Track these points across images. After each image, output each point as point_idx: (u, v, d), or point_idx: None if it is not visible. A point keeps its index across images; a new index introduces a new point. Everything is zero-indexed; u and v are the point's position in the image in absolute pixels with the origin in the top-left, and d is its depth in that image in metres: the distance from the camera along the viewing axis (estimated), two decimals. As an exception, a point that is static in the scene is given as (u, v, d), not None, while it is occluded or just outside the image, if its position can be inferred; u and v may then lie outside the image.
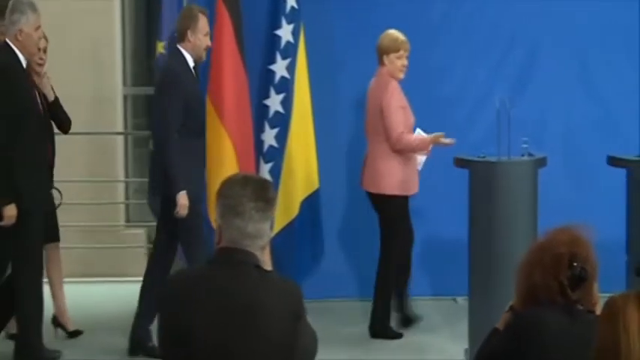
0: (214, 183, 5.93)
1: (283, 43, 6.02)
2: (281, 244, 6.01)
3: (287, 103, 6.02)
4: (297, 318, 2.45)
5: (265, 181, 2.63)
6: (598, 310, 2.58)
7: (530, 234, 5.26)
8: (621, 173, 5.49)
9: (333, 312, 6.12)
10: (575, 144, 6.22)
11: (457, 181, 5.75)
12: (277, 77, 6.02)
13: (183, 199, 5.15)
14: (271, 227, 2.55)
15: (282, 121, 6.03)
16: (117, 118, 7.18)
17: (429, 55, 6.29)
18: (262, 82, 6.06)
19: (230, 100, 5.75)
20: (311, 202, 6.12)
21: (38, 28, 4.96)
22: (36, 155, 4.91)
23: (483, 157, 5.44)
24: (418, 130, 5.62)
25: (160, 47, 5.81)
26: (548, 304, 2.61)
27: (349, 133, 6.30)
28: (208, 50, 5.37)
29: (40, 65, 5.28)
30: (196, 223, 5.25)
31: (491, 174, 5.33)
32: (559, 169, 6.01)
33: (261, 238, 2.50)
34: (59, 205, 5.43)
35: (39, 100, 5.06)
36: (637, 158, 5.44)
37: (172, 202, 5.14)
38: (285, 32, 6.02)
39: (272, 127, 6.03)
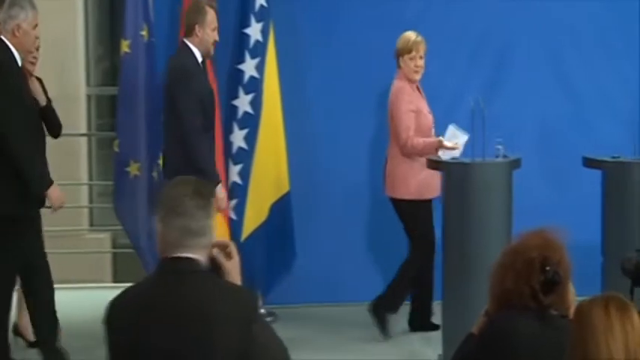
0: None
1: (252, 42, 6.03)
2: (250, 248, 6.02)
3: (256, 104, 6.02)
4: (249, 324, 2.46)
5: (202, 180, 2.68)
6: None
7: (504, 236, 5.29)
8: (597, 174, 5.55)
9: (305, 318, 6.12)
10: (551, 145, 6.27)
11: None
12: (246, 77, 6.02)
13: (219, 191, 5.19)
14: (213, 226, 2.56)
15: (251, 122, 6.02)
16: (80, 119, 7.14)
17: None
18: (231, 82, 6.05)
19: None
20: (281, 206, 6.12)
21: (36, 26, 4.91)
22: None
23: (457, 158, 5.49)
24: (451, 127, 5.64)
25: (125, 46, 5.79)
26: (521, 309, 2.63)
27: (320, 134, 6.31)
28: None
29: (33, 64, 5.22)
30: None
31: (465, 175, 5.36)
32: (534, 170, 6.05)
33: (204, 235, 2.53)
34: None
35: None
36: (612, 159, 5.50)
37: None
38: (254, 31, 6.02)
39: (241, 128, 6.03)
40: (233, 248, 2.63)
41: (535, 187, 6.18)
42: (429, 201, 5.79)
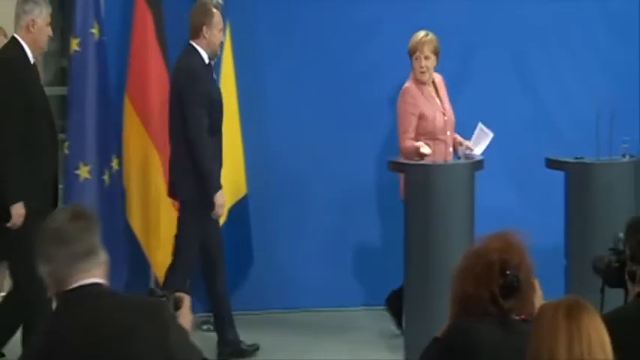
0: (136, 189, 5.91)
1: (208, 42, 6.04)
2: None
3: (212, 105, 6.03)
4: (165, 333, 2.50)
5: (80, 204, 2.68)
6: None
7: (467, 239, 5.34)
8: (560, 176, 5.61)
9: (262, 324, 6.13)
10: (513, 146, 6.33)
11: (392, 186, 5.82)
12: (202, 78, 6.02)
13: (220, 198, 5.29)
14: (100, 244, 2.58)
15: (207, 124, 6.03)
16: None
17: (359, 56, 6.34)
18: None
19: (152, 101, 5.72)
20: (239, 210, 6.12)
21: (49, 24, 4.96)
22: (47, 158, 4.92)
23: (418, 160, 5.53)
24: (480, 125, 5.68)
25: (75, 44, 5.76)
26: (482, 315, 2.65)
27: (279, 136, 6.31)
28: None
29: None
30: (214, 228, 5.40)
31: (427, 177, 5.41)
32: (497, 171, 6.12)
33: (96, 253, 2.55)
34: None
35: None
36: (575, 160, 5.57)
37: (207, 204, 5.24)
38: (209, 30, 6.03)
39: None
40: (186, 299, 2.68)
41: (498, 189, 6.24)
42: None
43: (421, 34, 5.73)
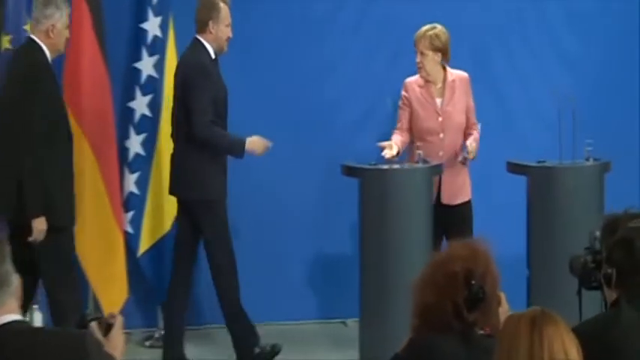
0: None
1: (150, 37, 5.96)
2: (148, 264, 5.96)
3: (155, 106, 5.95)
4: None
5: None
6: None
7: (425, 248, 5.34)
8: (521, 180, 5.62)
9: (207, 339, 6.07)
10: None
11: (347, 192, 5.78)
12: (144, 76, 5.95)
13: (252, 143, 5.42)
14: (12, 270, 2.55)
15: (149, 126, 5.95)
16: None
17: (314, 53, 6.31)
18: (127, 82, 5.97)
19: (89, 101, 5.67)
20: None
21: (68, 26, 5.12)
22: (68, 166, 5.06)
23: (375, 164, 5.49)
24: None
25: (6, 42, 5.65)
26: (444, 328, 2.63)
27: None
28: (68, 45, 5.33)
29: None
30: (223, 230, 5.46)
31: (383, 183, 5.39)
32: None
33: (7, 283, 2.52)
34: None
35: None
36: (537, 164, 5.58)
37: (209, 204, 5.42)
38: (152, 25, 5.95)
39: (138, 132, 5.95)
40: (118, 320, 2.66)
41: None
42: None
43: (423, 28, 5.72)
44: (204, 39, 5.45)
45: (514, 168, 5.63)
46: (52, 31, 5.01)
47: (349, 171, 5.58)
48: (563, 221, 5.44)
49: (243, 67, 6.18)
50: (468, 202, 5.75)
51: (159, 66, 5.95)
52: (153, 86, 5.95)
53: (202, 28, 5.45)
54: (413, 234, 5.38)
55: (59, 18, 5.04)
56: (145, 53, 5.94)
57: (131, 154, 5.95)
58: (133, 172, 5.95)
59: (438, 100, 5.75)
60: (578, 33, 6.49)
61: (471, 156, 5.66)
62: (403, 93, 5.76)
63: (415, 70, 5.74)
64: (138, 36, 5.95)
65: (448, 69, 5.78)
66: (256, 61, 6.22)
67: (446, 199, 5.73)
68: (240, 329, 5.50)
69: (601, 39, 6.50)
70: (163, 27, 5.97)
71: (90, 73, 5.67)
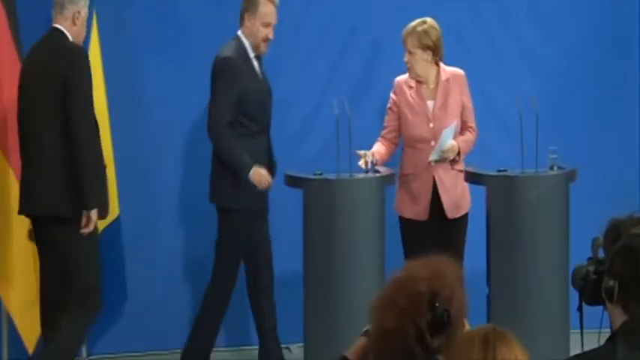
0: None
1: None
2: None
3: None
4: None
5: None
6: None
7: (377, 266, 5.34)
8: (481, 191, 5.61)
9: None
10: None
11: (292, 204, 5.74)
12: (64, 78, 5.86)
13: (257, 174, 5.49)
14: None
15: (70, 132, 5.85)
16: None
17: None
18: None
19: (3, 104, 5.59)
20: (110, 234, 5.98)
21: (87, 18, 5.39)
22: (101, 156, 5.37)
23: (320, 174, 5.47)
24: (444, 131, 5.61)
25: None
26: (405, 355, 2.58)
27: (157, 145, 6.19)
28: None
29: None
30: (257, 240, 5.62)
31: (329, 194, 5.37)
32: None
33: None
34: None
35: None
36: (497, 174, 5.56)
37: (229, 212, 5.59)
38: (72, 23, 5.88)
39: (61, 141, 5.85)
40: None
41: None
42: (409, 221, 5.71)
43: (412, 23, 5.70)
44: (242, 33, 5.61)
45: (472, 177, 5.63)
46: (77, 18, 5.26)
47: (292, 181, 5.54)
48: (525, 235, 5.44)
49: (174, 65, 6.13)
50: (467, 215, 5.68)
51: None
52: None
53: (241, 21, 5.62)
54: (362, 251, 5.37)
55: (84, 6, 5.31)
56: (65, 55, 5.87)
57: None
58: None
59: (430, 103, 5.70)
60: (543, 32, 6.51)
61: (449, 155, 5.58)
62: (391, 95, 5.74)
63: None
64: (57, 34, 5.87)
65: (442, 66, 5.74)
66: (187, 59, 6.15)
67: (450, 213, 5.66)
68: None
69: (567, 39, 6.53)
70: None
71: (6, 73, 5.60)
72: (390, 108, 5.74)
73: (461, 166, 5.68)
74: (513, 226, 5.45)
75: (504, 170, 5.55)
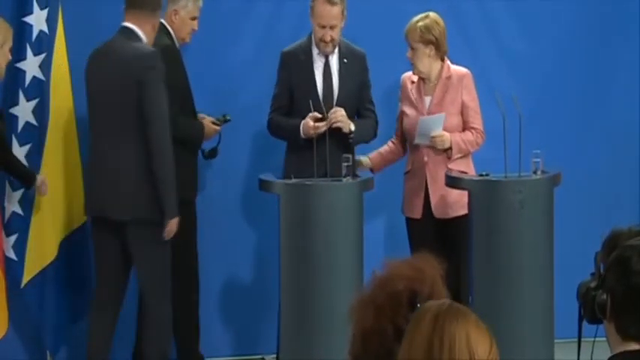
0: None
1: (35, 33, 5.91)
2: (34, 296, 5.91)
3: (41, 112, 5.90)
4: None
5: None
6: None
7: (355, 275, 5.38)
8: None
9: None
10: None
11: (269, 209, 5.78)
12: (28, 78, 5.89)
13: None
14: None
15: (34, 136, 5.89)
16: None
17: (228, 53, 6.33)
18: (8, 85, 5.90)
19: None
20: (75, 241, 6.00)
21: (195, 18, 5.84)
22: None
23: (297, 178, 5.51)
24: (421, 120, 5.73)
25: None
26: (385, 356, 2.59)
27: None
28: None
29: None
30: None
31: (305, 200, 5.41)
32: (389, 190, 6.14)
33: None
34: None
35: None
36: (479, 178, 5.66)
37: None
38: (37, 19, 5.90)
39: (22, 143, 5.89)
40: None
41: (389, 212, 6.26)
42: (413, 221, 5.82)
43: (414, 18, 5.80)
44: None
45: (453, 182, 5.68)
46: (174, 15, 5.81)
47: (267, 186, 5.58)
48: (508, 241, 5.50)
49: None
50: (466, 216, 5.73)
51: (45, 66, 5.90)
52: (39, 89, 5.89)
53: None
54: (340, 259, 5.40)
55: (184, 6, 5.79)
56: (29, 52, 5.88)
57: (14, 169, 5.89)
58: (15, 189, 5.87)
59: (427, 99, 5.82)
60: (525, 33, 6.59)
61: (437, 143, 5.68)
62: (400, 94, 5.88)
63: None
64: (21, 32, 5.88)
65: (448, 64, 5.84)
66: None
67: (438, 213, 5.77)
68: None
69: (550, 38, 6.60)
70: (50, 21, 5.92)
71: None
72: (401, 108, 5.89)
73: (462, 166, 5.78)
74: (496, 231, 5.50)
75: (486, 174, 5.63)
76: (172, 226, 5.40)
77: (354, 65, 5.86)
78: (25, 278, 5.92)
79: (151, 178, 5.36)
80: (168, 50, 5.67)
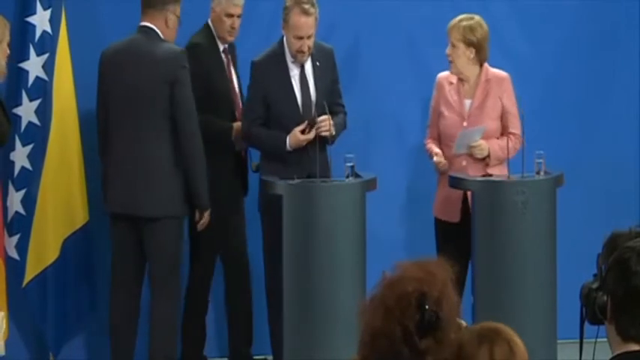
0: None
1: (38, 33, 5.94)
2: (35, 296, 5.94)
3: (44, 112, 5.93)
4: None
5: None
6: None
7: (358, 276, 5.40)
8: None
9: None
10: (412, 161, 6.40)
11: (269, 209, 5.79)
12: (31, 79, 5.93)
13: None
14: None
15: (37, 136, 5.93)
16: None
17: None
18: (11, 86, 5.93)
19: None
20: (77, 241, 6.03)
21: (230, 15, 5.84)
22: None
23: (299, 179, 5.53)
24: (460, 134, 5.73)
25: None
26: (393, 356, 2.64)
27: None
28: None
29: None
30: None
31: (308, 201, 5.43)
32: (393, 191, 6.18)
33: None
34: None
35: None
36: (482, 179, 5.68)
37: None
38: (40, 19, 5.93)
39: (24, 143, 5.93)
40: None
41: (391, 213, 6.29)
42: (448, 224, 5.81)
43: (459, 17, 5.80)
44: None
45: (456, 183, 5.68)
46: (212, 13, 5.86)
47: (270, 186, 5.60)
48: (511, 241, 5.52)
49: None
50: None
51: (48, 66, 5.94)
52: (41, 90, 5.92)
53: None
54: (343, 260, 5.41)
55: (217, 3, 5.84)
56: (32, 52, 5.92)
57: (16, 169, 5.92)
58: (18, 189, 5.92)
59: (467, 102, 5.79)
60: (527, 34, 6.58)
61: (476, 152, 5.67)
62: (433, 91, 5.84)
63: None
64: (24, 32, 5.92)
65: (486, 67, 5.82)
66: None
67: None
68: None
69: (553, 40, 6.60)
70: (54, 21, 5.95)
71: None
72: (432, 105, 5.85)
73: (498, 171, 5.76)
74: (499, 231, 5.52)
75: (489, 175, 5.65)
76: (206, 218, 5.66)
77: (326, 64, 5.88)
78: (27, 278, 5.94)
79: (181, 175, 5.56)
80: (188, 49, 5.76)
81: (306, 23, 5.66)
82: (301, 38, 5.68)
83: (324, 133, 5.67)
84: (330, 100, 5.83)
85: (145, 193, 5.59)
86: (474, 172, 5.73)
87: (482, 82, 5.78)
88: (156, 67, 5.56)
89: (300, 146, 5.66)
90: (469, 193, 5.69)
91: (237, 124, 5.92)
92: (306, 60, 5.80)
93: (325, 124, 5.67)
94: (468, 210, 5.69)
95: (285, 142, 5.69)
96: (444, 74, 5.84)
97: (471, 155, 5.73)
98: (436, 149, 5.77)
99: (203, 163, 5.59)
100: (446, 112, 5.80)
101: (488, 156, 5.72)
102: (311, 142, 5.62)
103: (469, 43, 5.69)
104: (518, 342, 2.47)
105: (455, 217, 5.74)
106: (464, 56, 5.71)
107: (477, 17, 5.77)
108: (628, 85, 6.66)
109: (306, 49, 5.71)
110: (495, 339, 2.46)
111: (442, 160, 5.71)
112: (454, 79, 5.79)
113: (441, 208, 5.83)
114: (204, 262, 5.95)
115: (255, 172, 6.00)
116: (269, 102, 5.77)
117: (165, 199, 5.60)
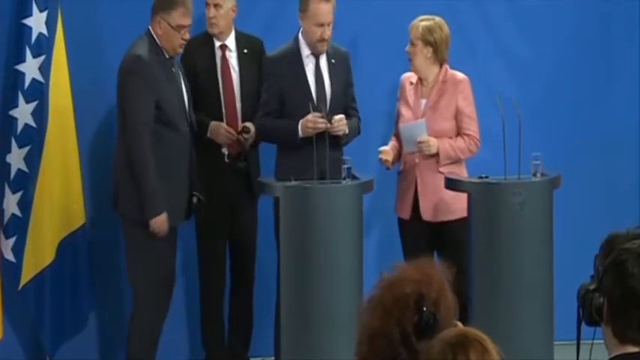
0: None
1: (35, 35, 5.95)
2: (31, 298, 5.95)
3: (40, 114, 5.94)
4: None
5: None
6: None
7: (354, 277, 5.41)
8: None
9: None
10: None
11: (268, 209, 5.83)
12: (27, 80, 5.94)
13: None
14: None
15: (34, 138, 5.94)
16: None
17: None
18: (7, 88, 5.97)
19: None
20: (74, 243, 6.05)
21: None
22: None
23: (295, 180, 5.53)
24: (402, 127, 5.85)
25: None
26: (391, 357, 2.65)
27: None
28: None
29: None
30: None
31: (303, 203, 5.43)
32: (389, 192, 6.19)
33: None
34: None
35: None
36: (479, 180, 5.68)
37: None
38: (36, 21, 5.94)
39: (21, 145, 5.94)
40: None
41: (388, 214, 6.31)
42: (404, 222, 5.93)
43: (420, 17, 5.89)
44: (301, 32, 5.93)
45: (453, 184, 5.70)
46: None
47: (266, 188, 5.63)
48: (508, 243, 5.54)
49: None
50: (462, 220, 5.74)
51: (45, 68, 5.95)
52: (38, 92, 5.93)
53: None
54: (339, 262, 5.42)
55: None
56: (28, 54, 5.93)
57: (13, 170, 5.93)
58: (14, 191, 5.93)
59: (423, 102, 5.90)
60: (525, 35, 6.59)
61: (423, 149, 5.75)
62: (398, 92, 5.97)
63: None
64: (20, 34, 5.93)
65: (446, 68, 5.91)
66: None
67: (426, 215, 5.83)
68: None
69: (550, 41, 6.61)
70: (50, 23, 5.96)
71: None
72: (397, 105, 5.98)
73: (457, 169, 5.84)
74: (495, 234, 5.54)
75: (486, 177, 5.65)
76: (155, 227, 5.64)
77: (341, 65, 5.94)
78: (23, 280, 5.96)
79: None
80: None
81: (326, 9, 5.75)
82: (322, 25, 5.74)
83: (338, 132, 5.72)
84: (346, 103, 5.92)
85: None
86: (426, 170, 5.82)
87: (439, 82, 5.89)
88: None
89: (310, 133, 5.66)
90: (420, 192, 5.79)
91: (214, 123, 5.94)
92: (325, 50, 5.86)
93: (340, 124, 5.73)
94: (418, 208, 5.82)
95: (297, 129, 5.73)
96: (407, 74, 5.96)
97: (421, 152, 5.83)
98: (384, 147, 5.90)
99: (143, 168, 5.62)
100: (403, 111, 5.94)
101: (437, 154, 5.79)
102: (323, 140, 5.63)
103: (426, 42, 5.81)
104: (488, 341, 2.48)
105: (406, 214, 5.85)
106: (421, 55, 5.83)
107: (437, 19, 5.88)
108: (628, 86, 6.68)
109: (327, 36, 5.78)
110: (467, 344, 2.45)
111: (385, 157, 5.83)
112: (414, 79, 5.93)
113: (398, 204, 5.97)
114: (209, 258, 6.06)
115: (239, 173, 5.97)
116: (284, 95, 5.82)
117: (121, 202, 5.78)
